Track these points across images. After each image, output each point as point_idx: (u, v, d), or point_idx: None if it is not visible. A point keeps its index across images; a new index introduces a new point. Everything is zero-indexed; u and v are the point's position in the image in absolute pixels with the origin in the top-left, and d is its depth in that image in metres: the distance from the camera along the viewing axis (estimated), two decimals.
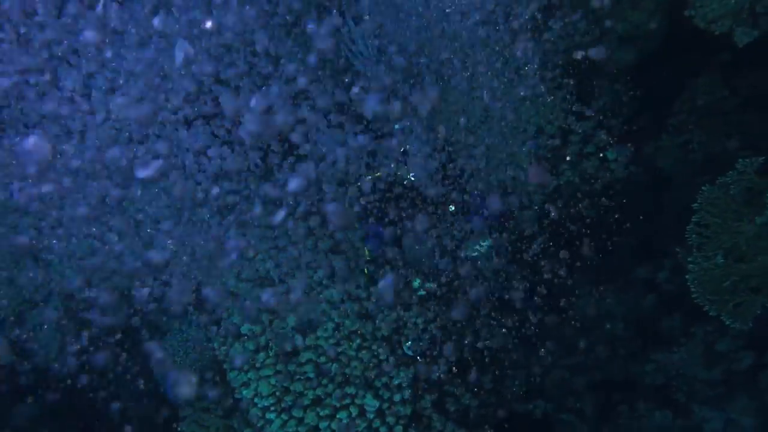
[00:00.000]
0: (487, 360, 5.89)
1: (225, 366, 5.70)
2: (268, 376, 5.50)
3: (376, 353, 5.72)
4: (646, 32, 5.49)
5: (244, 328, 5.67)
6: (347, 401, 5.50)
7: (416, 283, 5.65)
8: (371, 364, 5.63)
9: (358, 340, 5.74)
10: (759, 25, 4.57)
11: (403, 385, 5.56)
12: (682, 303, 5.60)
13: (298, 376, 5.54)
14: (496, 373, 6.06)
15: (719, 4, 4.60)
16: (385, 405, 5.52)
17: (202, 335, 5.68)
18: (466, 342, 5.89)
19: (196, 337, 5.70)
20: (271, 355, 5.51)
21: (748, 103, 5.35)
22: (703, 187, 4.98)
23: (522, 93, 5.52)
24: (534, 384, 6.20)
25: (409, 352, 5.58)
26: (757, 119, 5.29)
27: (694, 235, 5.03)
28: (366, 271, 5.60)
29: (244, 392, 5.54)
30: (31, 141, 2.91)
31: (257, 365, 5.54)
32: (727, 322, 4.80)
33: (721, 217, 4.92)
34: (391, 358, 5.61)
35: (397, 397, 5.52)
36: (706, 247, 4.98)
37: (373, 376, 5.59)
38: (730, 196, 4.84)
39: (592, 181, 5.88)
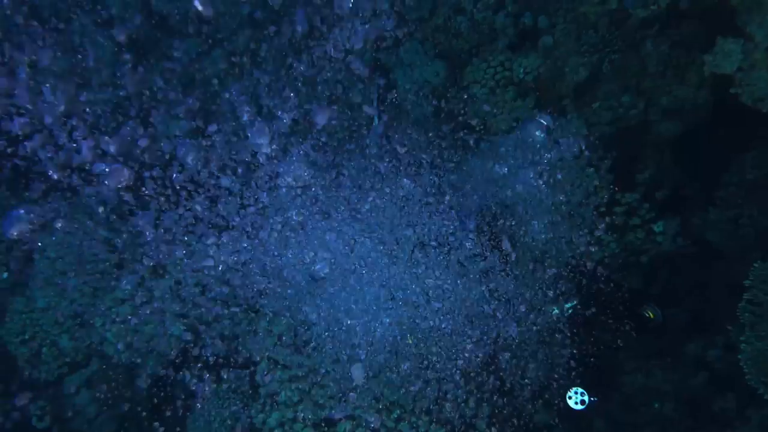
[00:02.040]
0: None
1: None
2: None
3: (415, 425, 5.62)
4: (692, 106, 5.49)
5: (282, 397, 5.65)
6: None
7: (556, 310, 5.50)
8: None
9: (398, 411, 5.66)
10: None
11: None
12: (735, 383, 5.35)
13: None
14: None
15: (766, 83, 4.59)
16: None
17: (238, 404, 5.68)
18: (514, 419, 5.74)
19: (233, 406, 5.70)
20: (308, 424, 5.47)
21: None
22: (754, 264, 4.84)
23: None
24: None
25: (579, 407, 5.22)
26: None
27: (746, 314, 4.86)
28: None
29: None
30: None
31: None
32: None
33: None
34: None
35: None
36: (759, 327, 4.80)
37: None
38: None
39: (639, 253, 5.78)
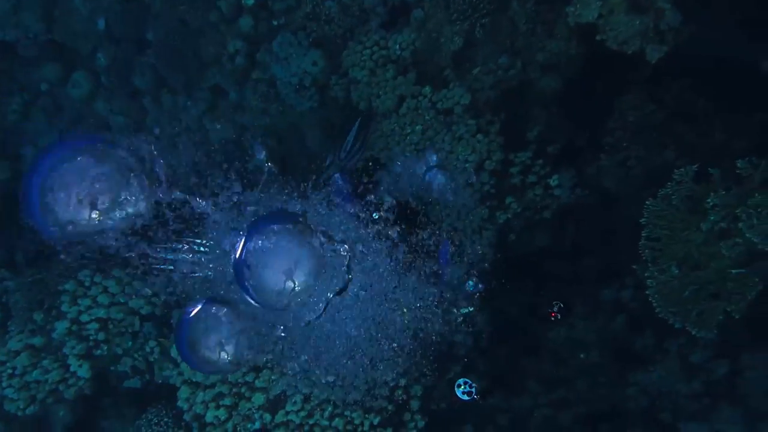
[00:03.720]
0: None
1: None
2: None
3: (350, 419, 5.51)
4: (567, 58, 5.59)
5: (209, 416, 5.42)
6: None
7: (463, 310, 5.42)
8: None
9: (330, 408, 5.53)
10: (666, 40, 4.67)
11: None
12: (650, 320, 5.51)
13: None
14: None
15: (626, 26, 4.70)
16: None
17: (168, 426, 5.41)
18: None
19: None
20: None
21: (675, 113, 5.43)
22: (647, 201, 4.97)
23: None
24: (519, 426, 6.00)
25: (464, 397, 5.19)
26: (686, 128, 5.36)
27: (647, 250, 4.98)
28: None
29: None
30: None
31: None
32: (693, 332, 4.70)
33: (669, 229, 4.89)
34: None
35: None
36: (660, 260, 4.92)
37: None
38: (673, 206, 4.83)
39: (541, 209, 5.85)
